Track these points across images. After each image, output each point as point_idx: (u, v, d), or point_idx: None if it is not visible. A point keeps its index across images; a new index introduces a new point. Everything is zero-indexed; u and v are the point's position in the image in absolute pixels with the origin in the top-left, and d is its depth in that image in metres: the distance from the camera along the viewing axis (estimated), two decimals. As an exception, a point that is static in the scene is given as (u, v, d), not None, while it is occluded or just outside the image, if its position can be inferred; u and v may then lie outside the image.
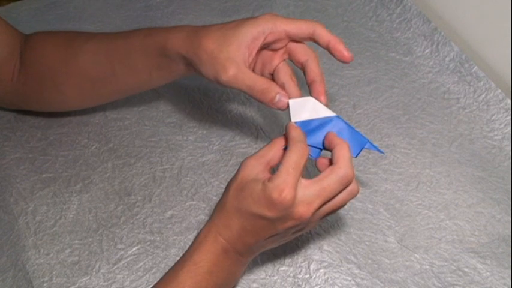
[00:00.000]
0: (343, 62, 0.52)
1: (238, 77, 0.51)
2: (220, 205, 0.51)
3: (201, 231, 0.51)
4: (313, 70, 0.53)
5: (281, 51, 0.55)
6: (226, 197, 0.50)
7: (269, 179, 0.47)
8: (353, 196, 0.50)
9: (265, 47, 0.54)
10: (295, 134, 0.50)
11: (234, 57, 0.51)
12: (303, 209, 0.47)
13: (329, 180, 0.47)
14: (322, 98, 0.52)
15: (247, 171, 0.49)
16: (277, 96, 0.51)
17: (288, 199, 0.46)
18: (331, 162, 0.49)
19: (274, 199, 0.46)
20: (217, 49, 0.52)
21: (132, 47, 0.59)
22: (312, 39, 0.52)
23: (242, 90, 0.52)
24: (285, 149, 0.50)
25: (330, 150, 0.50)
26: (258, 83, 0.51)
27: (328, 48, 0.52)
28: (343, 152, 0.48)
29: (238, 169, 0.50)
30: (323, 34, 0.52)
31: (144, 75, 0.60)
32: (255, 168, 0.49)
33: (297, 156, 0.48)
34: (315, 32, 0.52)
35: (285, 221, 0.48)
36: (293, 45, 0.54)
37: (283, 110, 0.52)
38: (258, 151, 0.51)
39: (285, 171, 0.47)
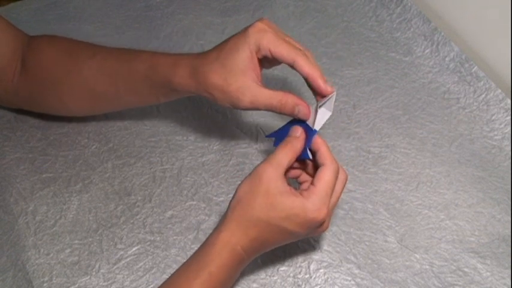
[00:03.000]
0: (320, 95, 0.53)
1: (254, 102, 0.52)
2: (241, 216, 0.49)
3: (216, 239, 0.50)
4: (302, 69, 0.52)
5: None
6: (252, 210, 0.49)
7: (305, 196, 0.49)
8: (345, 182, 0.53)
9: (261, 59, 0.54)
10: (329, 150, 0.51)
11: (244, 85, 0.52)
12: (324, 213, 0.50)
13: (327, 176, 0.50)
14: (323, 88, 0.52)
15: (271, 184, 0.49)
16: (297, 109, 0.52)
17: (323, 217, 0.50)
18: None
19: (312, 219, 0.49)
20: (226, 83, 0.52)
21: (137, 75, 0.58)
22: (293, 68, 0.52)
23: (262, 110, 0.53)
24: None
25: (314, 151, 0.52)
26: (274, 99, 0.52)
27: (307, 81, 0.53)
28: (326, 149, 0.51)
29: (257, 178, 0.49)
30: (303, 65, 0.51)
31: (151, 98, 0.60)
32: (277, 179, 0.49)
33: (333, 176, 0.50)
34: (295, 62, 0.52)
35: (310, 232, 0.51)
36: (277, 50, 0.52)
37: (306, 118, 0.53)
38: (273, 157, 0.50)
39: (325, 192, 0.49)
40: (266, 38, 0.52)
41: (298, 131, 0.52)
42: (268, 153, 0.69)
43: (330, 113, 0.53)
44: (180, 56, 0.57)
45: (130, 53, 0.60)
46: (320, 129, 0.53)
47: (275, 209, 0.49)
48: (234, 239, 0.49)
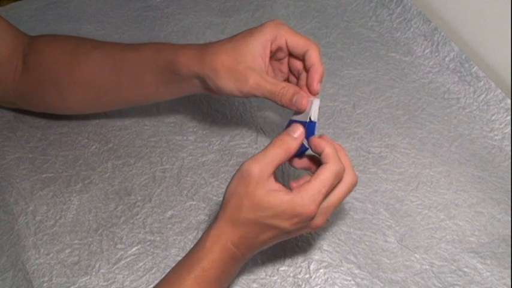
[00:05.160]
0: (309, 88, 0.54)
1: (260, 84, 0.53)
2: (229, 216, 0.49)
3: (207, 236, 0.50)
4: (312, 58, 0.54)
5: (286, 60, 0.57)
6: (239, 211, 0.49)
7: (295, 192, 0.48)
8: (353, 186, 0.52)
9: (271, 55, 0.55)
10: (333, 150, 0.50)
11: (253, 67, 0.53)
12: (311, 210, 0.49)
13: (323, 175, 0.49)
14: (315, 83, 0.53)
15: (258, 184, 0.48)
16: (295, 98, 0.52)
17: (310, 213, 0.49)
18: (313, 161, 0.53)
19: (299, 213, 0.48)
20: (235, 61, 0.53)
21: (141, 60, 0.59)
22: (303, 57, 0.54)
23: (265, 97, 0.53)
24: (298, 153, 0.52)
25: (318, 153, 0.51)
26: (278, 86, 0.53)
27: (307, 70, 0.54)
28: (330, 150, 0.50)
29: (244, 178, 0.49)
30: (313, 56, 0.53)
31: (151, 89, 0.61)
32: (265, 179, 0.49)
33: (331, 176, 0.49)
34: (308, 51, 0.53)
35: (301, 228, 0.51)
36: (294, 38, 0.54)
37: (302, 111, 0.53)
38: (264, 155, 0.49)
39: (317, 190, 0.48)
40: (283, 29, 0.54)
41: (297, 131, 0.51)
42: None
43: (318, 100, 0.53)
44: (185, 43, 0.59)
45: (134, 44, 0.62)
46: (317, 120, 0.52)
47: (263, 208, 0.48)
48: (224, 236, 0.49)
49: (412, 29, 0.83)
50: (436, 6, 0.85)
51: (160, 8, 0.87)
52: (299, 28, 0.84)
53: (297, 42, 0.53)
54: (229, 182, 0.50)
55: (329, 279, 0.60)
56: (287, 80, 0.58)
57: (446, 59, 0.79)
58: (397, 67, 0.80)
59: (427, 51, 0.81)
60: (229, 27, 0.84)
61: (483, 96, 0.75)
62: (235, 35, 0.55)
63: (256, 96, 0.54)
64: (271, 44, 0.54)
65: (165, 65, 0.57)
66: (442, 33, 0.81)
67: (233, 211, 0.49)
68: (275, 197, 0.48)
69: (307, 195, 0.48)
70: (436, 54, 0.80)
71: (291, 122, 0.53)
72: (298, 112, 0.53)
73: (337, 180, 0.50)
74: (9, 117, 0.72)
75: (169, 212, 0.65)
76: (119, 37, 0.82)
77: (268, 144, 0.50)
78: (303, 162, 0.54)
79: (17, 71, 0.63)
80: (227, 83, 0.54)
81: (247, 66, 0.53)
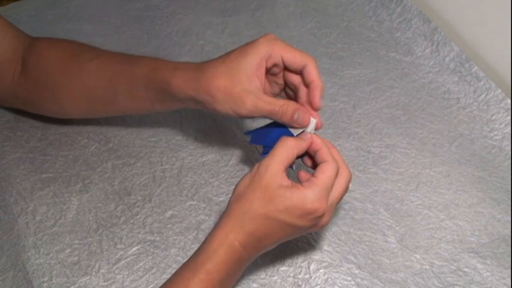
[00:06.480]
0: (311, 105, 0.54)
1: (258, 106, 0.52)
2: (239, 210, 0.49)
3: (213, 237, 0.50)
4: (311, 74, 0.53)
5: (281, 73, 0.56)
6: (250, 204, 0.49)
7: (305, 186, 0.49)
8: (349, 181, 0.53)
9: (267, 71, 0.55)
10: (329, 152, 0.52)
11: (248, 88, 0.52)
12: (325, 206, 0.50)
13: (329, 172, 0.50)
14: (317, 100, 0.53)
15: (271, 179, 0.49)
16: (296, 114, 0.52)
17: (323, 210, 0.49)
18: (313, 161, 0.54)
19: (312, 210, 0.49)
20: (230, 84, 0.52)
21: (137, 77, 0.58)
22: (301, 72, 0.53)
23: (264, 117, 0.53)
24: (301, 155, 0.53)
25: (314, 151, 0.53)
26: (277, 105, 0.52)
27: (307, 86, 0.53)
28: (326, 150, 0.52)
29: (258, 173, 0.49)
30: (312, 72, 0.52)
31: (146, 104, 0.60)
32: (278, 175, 0.49)
33: (335, 173, 0.50)
34: (306, 66, 0.53)
35: (310, 227, 0.51)
36: (290, 54, 0.53)
37: (304, 126, 0.53)
38: (276, 154, 0.50)
39: (325, 185, 0.49)
40: (278, 45, 0.53)
41: (306, 136, 0.52)
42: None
43: (315, 121, 0.53)
44: (182, 62, 0.57)
45: (132, 57, 0.61)
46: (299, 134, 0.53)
47: (273, 202, 0.49)
48: (231, 235, 0.49)
49: (412, 29, 0.83)
50: (436, 6, 0.85)
51: (160, 8, 0.87)
52: (299, 28, 0.84)
53: (294, 58, 0.53)
54: (240, 180, 0.51)
55: (329, 279, 0.60)
56: (283, 90, 0.58)
57: (446, 59, 0.79)
58: (397, 67, 0.80)
59: (427, 51, 0.81)
60: (229, 27, 0.84)
61: (483, 96, 0.75)
62: (228, 54, 0.54)
63: (254, 117, 0.53)
64: (267, 62, 0.53)
65: (161, 85, 0.57)
66: (442, 33, 0.81)
67: (242, 204, 0.49)
68: (287, 191, 0.49)
69: (318, 189, 0.49)
70: (436, 54, 0.80)
71: (273, 127, 0.55)
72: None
73: (336, 177, 0.51)
74: (9, 117, 0.72)
75: (169, 212, 0.65)
76: (119, 37, 0.82)
77: (278, 145, 0.51)
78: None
79: (16, 72, 0.63)
80: (224, 107, 0.53)
81: (243, 89, 0.52)
